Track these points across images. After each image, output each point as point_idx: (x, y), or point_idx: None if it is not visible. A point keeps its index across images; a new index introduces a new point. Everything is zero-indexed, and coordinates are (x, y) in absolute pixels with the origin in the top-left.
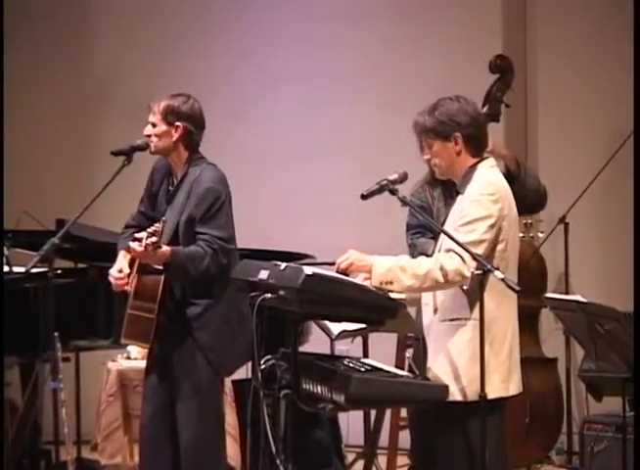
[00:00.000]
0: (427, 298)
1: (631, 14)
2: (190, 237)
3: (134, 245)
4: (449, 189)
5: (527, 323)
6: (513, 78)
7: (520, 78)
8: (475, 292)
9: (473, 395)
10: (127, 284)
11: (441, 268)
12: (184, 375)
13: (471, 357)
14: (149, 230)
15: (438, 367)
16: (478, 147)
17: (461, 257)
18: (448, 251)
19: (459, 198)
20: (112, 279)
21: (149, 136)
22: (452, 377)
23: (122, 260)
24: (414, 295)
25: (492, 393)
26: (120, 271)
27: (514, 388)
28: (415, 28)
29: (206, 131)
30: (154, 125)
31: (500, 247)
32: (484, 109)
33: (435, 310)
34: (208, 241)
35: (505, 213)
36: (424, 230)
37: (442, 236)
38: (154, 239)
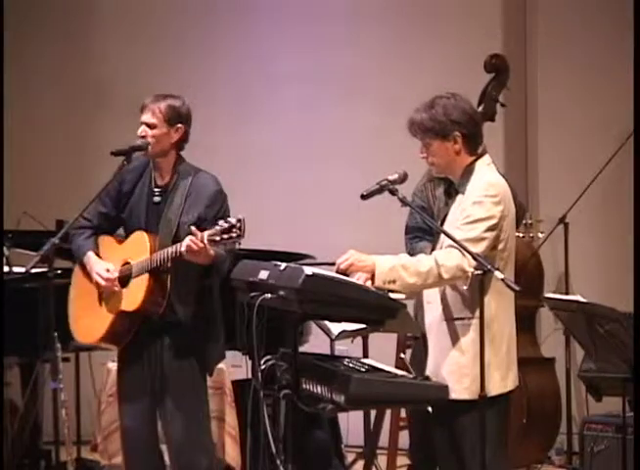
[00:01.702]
0: (430, 296)
1: (631, 13)
2: None
3: (193, 241)
4: (451, 188)
5: (525, 323)
6: (508, 78)
7: (519, 78)
8: (475, 292)
9: (475, 394)
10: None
11: (442, 265)
12: (176, 373)
13: (474, 356)
14: (220, 227)
15: (442, 366)
16: (475, 145)
17: (460, 252)
18: (448, 247)
19: (459, 197)
20: (100, 279)
21: (143, 137)
22: (456, 376)
23: (100, 261)
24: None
25: (493, 389)
26: (108, 271)
27: (511, 383)
28: (415, 29)
29: (208, 132)
30: (152, 126)
31: (500, 247)
32: (480, 108)
33: (439, 309)
34: None
35: (506, 214)
36: (422, 234)
37: (442, 238)
38: (233, 234)
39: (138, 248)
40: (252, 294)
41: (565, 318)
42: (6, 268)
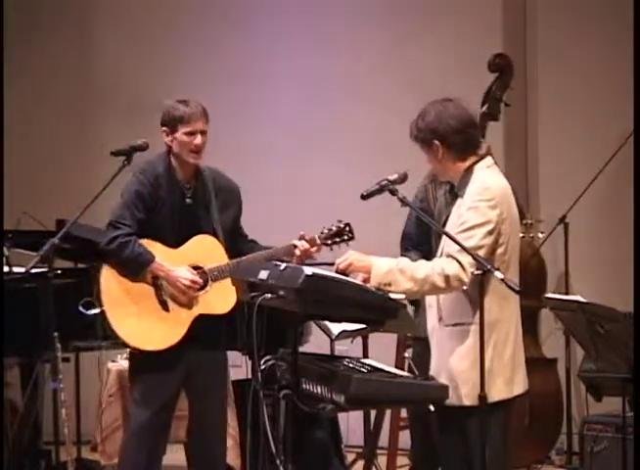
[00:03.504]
0: (430, 300)
1: (631, 13)
2: (233, 234)
3: (314, 244)
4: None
5: (527, 324)
6: (512, 77)
7: (520, 78)
8: (476, 297)
9: (475, 399)
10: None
11: (440, 273)
12: (218, 364)
13: (473, 362)
14: (329, 231)
15: (442, 372)
16: (463, 151)
17: (460, 262)
18: (448, 256)
19: (458, 201)
20: (189, 283)
21: (197, 147)
22: (455, 382)
23: (178, 267)
24: None
25: (496, 395)
26: (195, 275)
27: (518, 388)
28: (414, 29)
29: (209, 132)
30: (204, 133)
31: (500, 250)
32: (484, 108)
33: (439, 314)
34: None
35: (504, 217)
36: (412, 244)
37: (443, 240)
38: (345, 237)
39: (209, 252)
40: (252, 294)
41: (565, 318)
42: (6, 268)
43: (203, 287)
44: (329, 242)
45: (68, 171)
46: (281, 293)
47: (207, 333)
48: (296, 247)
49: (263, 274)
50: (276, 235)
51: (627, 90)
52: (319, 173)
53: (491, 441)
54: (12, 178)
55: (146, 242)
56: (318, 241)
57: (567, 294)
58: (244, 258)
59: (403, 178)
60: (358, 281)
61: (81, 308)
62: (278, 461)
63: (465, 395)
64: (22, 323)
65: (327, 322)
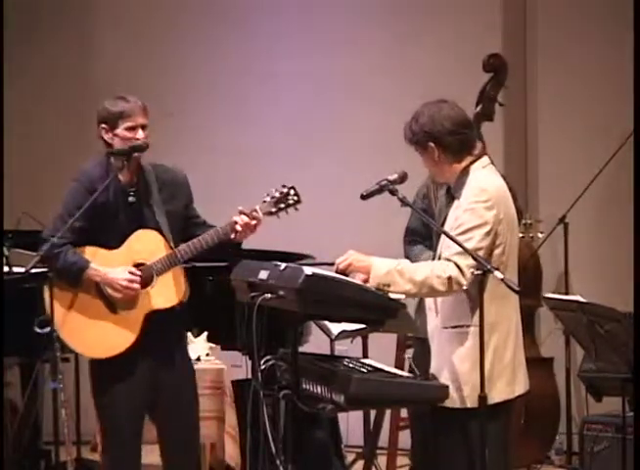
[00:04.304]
0: (430, 302)
1: (631, 13)
2: (187, 222)
3: (254, 216)
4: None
5: (524, 323)
6: (506, 77)
7: (519, 78)
8: (475, 298)
9: (476, 402)
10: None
11: (439, 276)
12: (182, 358)
13: (473, 365)
14: (271, 198)
15: (442, 375)
16: (459, 152)
17: (458, 266)
18: (447, 259)
19: (455, 203)
20: (127, 283)
21: (139, 139)
22: (455, 385)
23: (114, 269)
24: None
25: (497, 396)
26: (133, 274)
27: (519, 388)
28: (414, 29)
29: (208, 131)
30: (145, 128)
31: (498, 251)
32: (478, 108)
33: (438, 316)
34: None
35: (501, 218)
36: (419, 237)
37: (441, 240)
38: (290, 201)
39: (149, 247)
40: (252, 294)
41: (565, 318)
42: (6, 268)
43: (148, 283)
44: (273, 210)
45: (68, 171)
46: (281, 293)
47: (165, 330)
48: (236, 223)
49: (263, 274)
50: (275, 234)
51: (627, 90)
52: (319, 173)
53: (492, 442)
54: (12, 178)
55: (82, 249)
56: (260, 212)
57: (567, 294)
58: (183, 245)
59: (403, 178)
60: (358, 281)
61: (36, 328)
62: (278, 461)
63: (466, 396)
64: (22, 323)
65: (327, 322)
